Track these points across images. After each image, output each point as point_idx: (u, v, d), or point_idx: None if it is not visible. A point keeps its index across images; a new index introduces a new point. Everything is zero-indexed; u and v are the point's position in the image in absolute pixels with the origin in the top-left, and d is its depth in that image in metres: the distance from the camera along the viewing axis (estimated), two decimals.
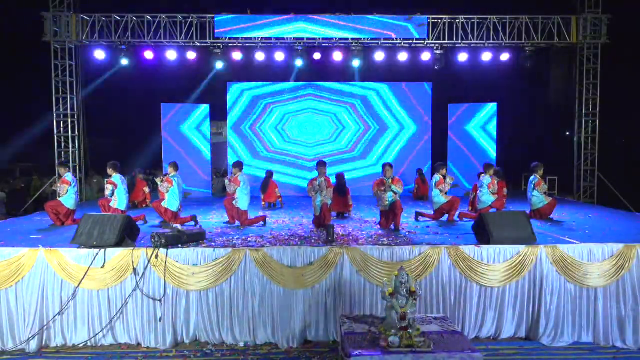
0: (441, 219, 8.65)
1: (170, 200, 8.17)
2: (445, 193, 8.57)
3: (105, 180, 8.58)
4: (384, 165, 7.92)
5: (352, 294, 6.07)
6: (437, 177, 8.61)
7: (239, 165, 8.29)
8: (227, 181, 8.19)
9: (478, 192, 8.89)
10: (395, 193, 7.64)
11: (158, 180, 8.54)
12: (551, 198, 8.70)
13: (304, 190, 12.78)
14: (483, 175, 8.90)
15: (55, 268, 5.92)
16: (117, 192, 8.31)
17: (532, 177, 8.64)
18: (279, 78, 13.45)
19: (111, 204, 8.29)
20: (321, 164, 8.16)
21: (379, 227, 7.86)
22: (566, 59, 13.03)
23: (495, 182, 8.73)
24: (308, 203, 10.49)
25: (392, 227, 7.64)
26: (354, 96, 13.47)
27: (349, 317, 4.90)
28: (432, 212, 8.74)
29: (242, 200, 8.04)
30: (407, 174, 12.84)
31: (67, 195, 8.23)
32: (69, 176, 8.38)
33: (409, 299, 4.29)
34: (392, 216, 7.65)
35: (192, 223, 8.18)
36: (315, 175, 8.18)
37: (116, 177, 8.33)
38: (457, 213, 8.59)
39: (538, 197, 8.51)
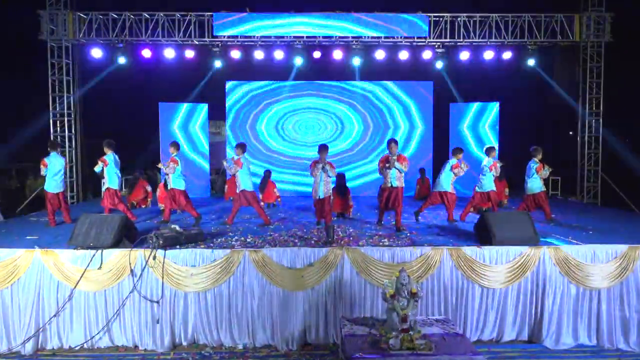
0: (439, 218, 8.59)
1: (177, 181, 8.07)
2: (453, 181, 8.42)
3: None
4: (389, 142, 7.81)
5: (353, 295, 6.00)
6: (454, 160, 8.40)
7: (242, 146, 8.21)
8: (226, 163, 8.08)
9: (480, 175, 8.64)
10: (400, 172, 7.57)
11: (160, 165, 8.37)
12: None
13: (302, 189, 12.73)
14: (485, 158, 8.61)
15: (52, 269, 5.86)
16: (107, 170, 8.23)
17: (531, 161, 8.33)
18: (278, 77, 13.35)
19: (102, 185, 8.20)
20: (323, 148, 7.92)
21: (377, 225, 7.79)
22: (569, 57, 12.91)
23: (498, 165, 8.52)
24: (308, 203, 10.41)
25: (391, 219, 7.56)
26: (354, 95, 13.36)
27: (349, 319, 4.83)
28: (429, 196, 8.62)
29: (245, 181, 8.00)
30: (407, 173, 12.69)
31: (47, 178, 8.01)
32: (48, 158, 8.04)
33: (410, 300, 4.23)
34: (391, 211, 7.59)
35: (194, 221, 8.04)
36: (317, 158, 7.97)
37: (109, 156, 8.26)
38: (458, 214, 8.49)
39: (537, 182, 8.21)
